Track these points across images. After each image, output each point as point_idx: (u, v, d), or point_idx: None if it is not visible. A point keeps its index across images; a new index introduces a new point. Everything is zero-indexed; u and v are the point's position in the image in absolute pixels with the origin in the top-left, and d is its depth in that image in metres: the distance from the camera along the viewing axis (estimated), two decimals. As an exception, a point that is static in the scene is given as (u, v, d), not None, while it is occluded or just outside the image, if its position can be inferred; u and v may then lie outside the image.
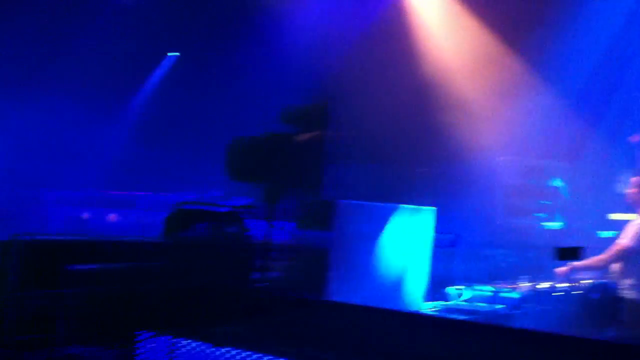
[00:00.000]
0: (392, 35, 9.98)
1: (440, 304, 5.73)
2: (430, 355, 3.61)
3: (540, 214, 9.36)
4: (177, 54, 13.60)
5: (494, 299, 5.76)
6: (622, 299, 5.78)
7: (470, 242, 10.69)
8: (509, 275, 6.60)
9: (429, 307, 5.58)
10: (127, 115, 13.81)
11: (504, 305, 5.68)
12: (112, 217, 12.14)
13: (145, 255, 4.91)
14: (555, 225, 9.32)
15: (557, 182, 9.43)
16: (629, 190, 6.17)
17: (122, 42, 12.30)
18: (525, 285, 6.18)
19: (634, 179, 6.16)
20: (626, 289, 5.89)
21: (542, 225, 9.33)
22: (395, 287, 5.12)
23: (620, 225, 6.44)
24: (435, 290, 5.94)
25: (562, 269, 6.14)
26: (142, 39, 12.39)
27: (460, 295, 5.93)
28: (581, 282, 6.48)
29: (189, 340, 3.54)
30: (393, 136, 10.03)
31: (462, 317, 5.14)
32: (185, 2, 11.95)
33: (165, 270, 4.72)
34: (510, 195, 9.41)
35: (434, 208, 5.32)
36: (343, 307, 4.32)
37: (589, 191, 9.42)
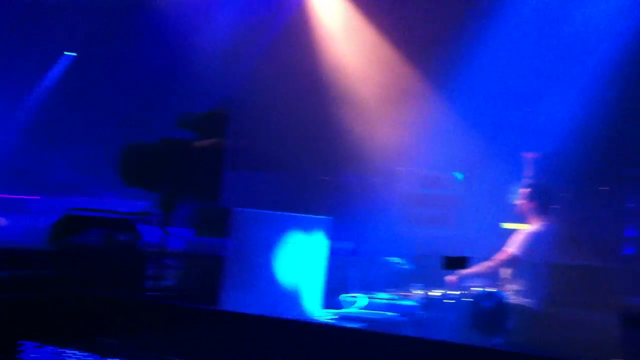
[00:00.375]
0: (292, 44, 10.01)
1: (335, 311, 5.77)
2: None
3: (437, 223, 9.60)
4: (74, 54, 13.15)
5: (387, 306, 5.86)
6: (508, 306, 6.00)
7: (369, 251, 10.87)
8: (404, 283, 6.72)
9: (324, 315, 5.61)
10: (20, 115, 13.24)
11: (397, 313, 5.79)
12: (1, 221, 11.60)
13: (30, 262, 4.70)
14: (451, 234, 9.58)
15: (454, 192, 9.70)
16: (518, 202, 6.45)
17: (15, 40, 11.81)
18: (418, 293, 6.31)
19: (522, 191, 6.44)
20: (512, 296, 6.13)
21: (439, 234, 9.57)
22: (292, 295, 5.12)
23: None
24: (331, 298, 5.98)
25: (452, 277, 6.32)
26: (37, 37, 11.94)
27: (355, 302, 6.00)
28: (472, 289, 6.69)
29: (75, 351, 3.41)
30: (293, 144, 10.05)
31: (355, 325, 5.19)
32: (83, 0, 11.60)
33: (51, 278, 4.53)
34: (409, 205, 9.62)
35: (330, 217, 5.35)
36: (238, 316, 4.27)
37: (484, 201, 9.74)
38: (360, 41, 10.05)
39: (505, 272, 6.35)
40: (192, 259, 5.24)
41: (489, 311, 4.82)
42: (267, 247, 4.87)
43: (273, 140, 10.02)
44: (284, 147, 10.27)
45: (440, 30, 9.68)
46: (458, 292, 6.47)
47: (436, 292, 6.41)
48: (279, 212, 5.32)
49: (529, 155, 7.07)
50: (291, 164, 10.57)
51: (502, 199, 8.74)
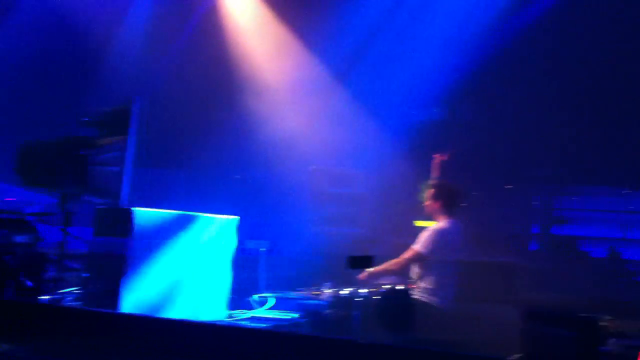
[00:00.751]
0: (203, 42, 9.84)
1: (243, 312, 5.69)
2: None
3: (349, 222, 9.65)
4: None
5: (297, 306, 5.83)
6: (415, 304, 6.07)
7: (281, 250, 10.83)
8: (315, 282, 6.70)
9: (230, 317, 5.52)
10: None
11: (307, 312, 5.75)
12: None
13: None
14: (362, 232, 9.64)
15: (365, 191, 9.77)
16: (424, 201, 6.54)
17: None
18: (328, 291, 6.30)
19: (427, 191, 6.53)
20: (420, 293, 6.20)
21: (350, 232, 9.62)
22: (197, 296, 5.00)
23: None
24: (240, 299, 5.91)
25: (362, 275, 6.35)
26: None
27: (265, 302, 5.95)
28: (382, 287, 6.74)
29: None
30: (203, 143, 9.91)
31: (264, 325, 5.13)
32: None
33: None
34: (320, 204, 9.62)
35: (238, 216, 5.26)
36: (137, 320, 4.14)
37: (395, 200, 9.86)
38: (271, 40, 9.98)
39: (414, 270, 6.42)
40: (92, 259, 5.04)
41: (395, 309, 4.83)
42: (169, 247, 4.74)
43: (184, 138, 9.84)
44: (195, 145, 10.11)
45: (353, 31, 9.75)
46: (367, 290, 6.51)
47: (346, 290, 6.41)
48: (183, 212, 5.19)
49: (437, 156, 7.18)
50: (203, 162, 10.43)
51: (413, 198, 8.90)
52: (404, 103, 11.24)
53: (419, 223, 8.49)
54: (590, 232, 13.23)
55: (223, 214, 9.35)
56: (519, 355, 4.19)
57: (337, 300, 6.16)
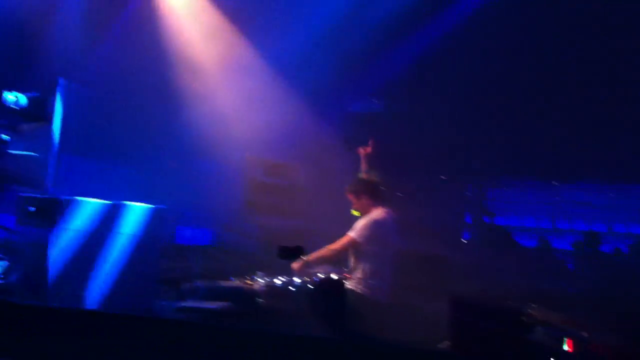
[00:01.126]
0: (136, 29, 9.58)
1: (174, 303, 5.55)
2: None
3: (285, 212, 9.59)
4: None
5: (229, 295, 5.73)
6: (347, 293, 6.06)
7: (213, 239, 10.71)
8: (250, 271, 6.63)
9: (162, 307, 5.39)
10: None
11: (239, 302, 5.68)
12: None
13: None
14: (298, 223, 9.60)
15: (300, 181, 9.73)
16: (353, 198, 6.51)
17: None
18: (261, 281, 6.25)
19: (353, 188, 6.49)
20: (354, 283, 6.20)
21: (286, 223, 9.56)
22: (125, 287, 4.86)
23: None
24: (170, 288, 5.78)
25: (296, 264, 6.31)
26: None
27: (197, 291, 5.81)
28: (318, 276, 6.71)
29: None
30: (131, 131, 9.69)
31: (191, 316, 5.03)
32: None
33: None
34: (255, 193, 9.52)
35: (170, 205, 5.13)
36: (63, 312, 4.00)
37: (331, 191, 9.84)
38: (205, 26, 9.80)
39: (350, 259, 6.41)
40: (15, 249, 4.85)
41: (328, 299, 4.80)
42: (96, 237, 4.60)
43: (110, 125, 9.59)
44: (122, 134, 9.89)
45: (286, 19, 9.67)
46: (300, 280, 6.48)
47: (279, 280, 6.37)
48: (110, 201, 5.03)
49: (362, 149, 7.17)
50: (129, 151, 10.21)
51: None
52: (341, 94, 11.24)
53: (356, 213, 8.50)
54: (521, 223, 13.57)
55: (157, 203, 9.15)
56: (447, 342, 4.23)
57: (270, 289, 6.11)
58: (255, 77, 9.87)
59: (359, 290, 6.11)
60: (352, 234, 6.22)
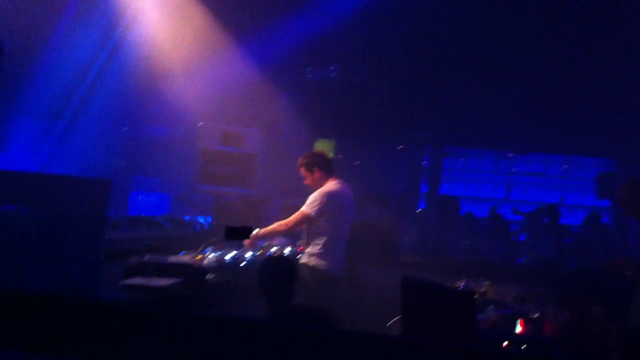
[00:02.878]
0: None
1: (117, 280, 5.33)
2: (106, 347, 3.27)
3: (238, 181, 9.40)
4: None
5: (176, 271, 5.55)
6: (304, 267, 5.97)
7: (168, 210, 10.51)
8: (199, 245, 6.46)
9: (103, 287, 5.16)
10: None
11: (188, 278, 5.51)
12: None
13: None
14: (251, 193, 9.45)
15: (255, 150, 9.52)
16: (303, 175, 6.36)
17: None
18: (211, 256, 6.09)
19: (302, 164, 6.35)
20: (307, 257, 6.10)
21: (239, 192, 9.39)
22: (65, 266, 4.64)
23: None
24: (116, 264, 5.56)
25: (248, 241, 6.18)
26: None
27: (145, 267, 5.58)
28: (269, 251, 6.59)
29: None
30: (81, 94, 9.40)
31: (137, 294, 4.85)
32: None
33: None
34: (207, 162, 9.30)
35: (108, 179, 4.87)
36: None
37: (286, 160, 9.68)
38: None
39: (304, 233, 6.30)
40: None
41: (281, 274, 4.67)
42: (33, 212, 4.35)
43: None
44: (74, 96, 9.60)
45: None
46: (251, 254, 6.35)
47: (230, 255, 6.23)
48: (44, 173, 4.79)
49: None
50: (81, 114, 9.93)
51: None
52: (297, 62, 11.05)
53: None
54: (475, 193, 13.65)
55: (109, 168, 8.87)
56: (397, 318, 4.15)
57: (220, 265, 5.97)
58: (211, 43, 9.60)
59: (312, 264, 6.02)
60: (305, 209, 6.09)
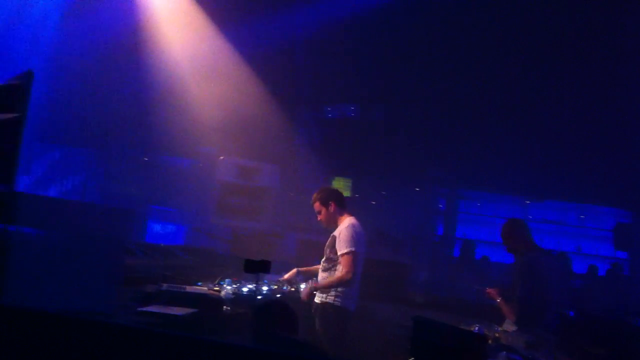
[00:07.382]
0: (112, 17, 9.40)
1: (134, 305, 5.37)
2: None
3: (253, 215, 9.45)
4: None
5: (193, 301, 5.57)
6: (327, 307, 5.97)
7: (183, 238, 10.58)
8: (216, 275, 6.50)
9: (119, 313, 5.20)
10: None
11: (203, 309, 5.52)
12: None
13: None
14: (266, 227, 9.48)
15: (271, 185, 9.58)
16: (318, 211, 6.35)
17: None
18: (228, 288, 6.11)
19: (317, 200, 6.33)
20: (331, 296, 6.04)
21: (254, 226, 9.43)
22: (85, 288, 4.71)
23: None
24: (133, 290, 5.61)
25: (289, 274, 6.32)
26: None
27: (161, 295, 5.62)
28: (291, 287, 6.53)
29: None
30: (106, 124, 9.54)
31: (153, 321, 4.88)
32: None
33: None
34: (225, 194, 9.37)
35: (132, 209, 4.95)
36: (18, 313, 3.85)
37: (300, 195, 9.74)
38: (188, 27, 9.64)
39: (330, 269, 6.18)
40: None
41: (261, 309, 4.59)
42: (56, 237, 4.44)
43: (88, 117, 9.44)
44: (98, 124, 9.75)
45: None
46: (267, 288, 6.34)
47: (247, 287, 6.23)
48: (72, 200, 4.90)
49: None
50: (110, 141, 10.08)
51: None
52: (317, 98, 11.17)
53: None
54: (491, 237, 13.59)
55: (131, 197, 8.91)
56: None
57: (237, 297, 5.96)
58: (231, 78, 9.76)
59: (339, 305, 5.93)
60: (352, 248, 5.95)
